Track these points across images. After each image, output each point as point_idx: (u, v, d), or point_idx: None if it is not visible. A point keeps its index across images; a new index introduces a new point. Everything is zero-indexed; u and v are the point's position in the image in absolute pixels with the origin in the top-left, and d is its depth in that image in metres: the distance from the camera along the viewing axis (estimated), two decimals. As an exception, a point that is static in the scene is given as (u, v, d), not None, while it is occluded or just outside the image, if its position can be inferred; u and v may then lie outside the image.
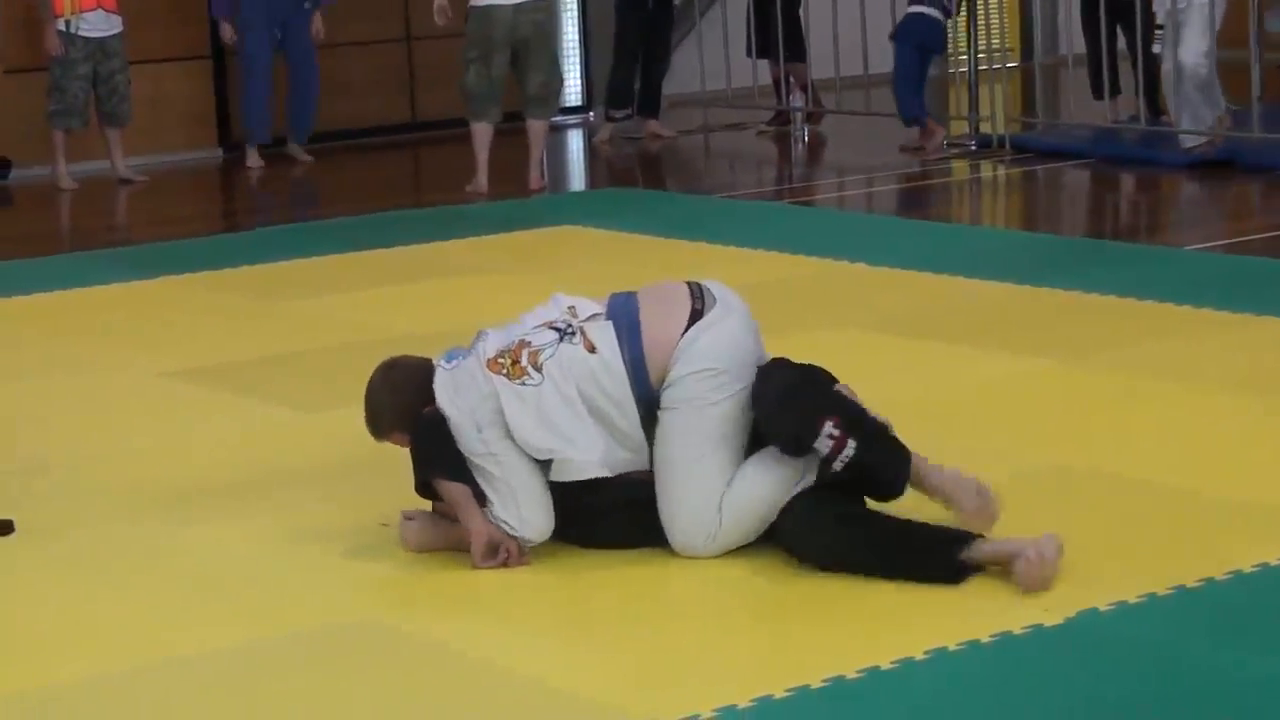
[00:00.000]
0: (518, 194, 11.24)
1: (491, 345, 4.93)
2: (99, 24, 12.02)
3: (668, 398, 4.81)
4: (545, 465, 4.83)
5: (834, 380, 4.92)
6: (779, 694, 4.04)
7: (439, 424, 4.86)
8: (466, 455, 4.85)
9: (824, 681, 4.09)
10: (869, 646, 4.26)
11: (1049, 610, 4.41)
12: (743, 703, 4.01)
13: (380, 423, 5.06)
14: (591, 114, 14.93)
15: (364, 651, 4.42)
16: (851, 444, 4.69)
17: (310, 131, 13.10)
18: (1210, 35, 11.07)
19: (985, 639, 4.28)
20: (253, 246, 9.80)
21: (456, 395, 4.87)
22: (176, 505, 5.50)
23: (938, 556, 4.62)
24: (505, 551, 4.82)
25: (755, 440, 4.84)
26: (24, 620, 4.72)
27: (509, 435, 4.81)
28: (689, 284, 4.96)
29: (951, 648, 4.23)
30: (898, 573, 4.62)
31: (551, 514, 4.83)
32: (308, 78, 12.94)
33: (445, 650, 4.42)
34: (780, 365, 4.89)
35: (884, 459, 4.77)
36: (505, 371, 4.85)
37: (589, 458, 4.80)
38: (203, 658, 4.41)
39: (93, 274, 9.13)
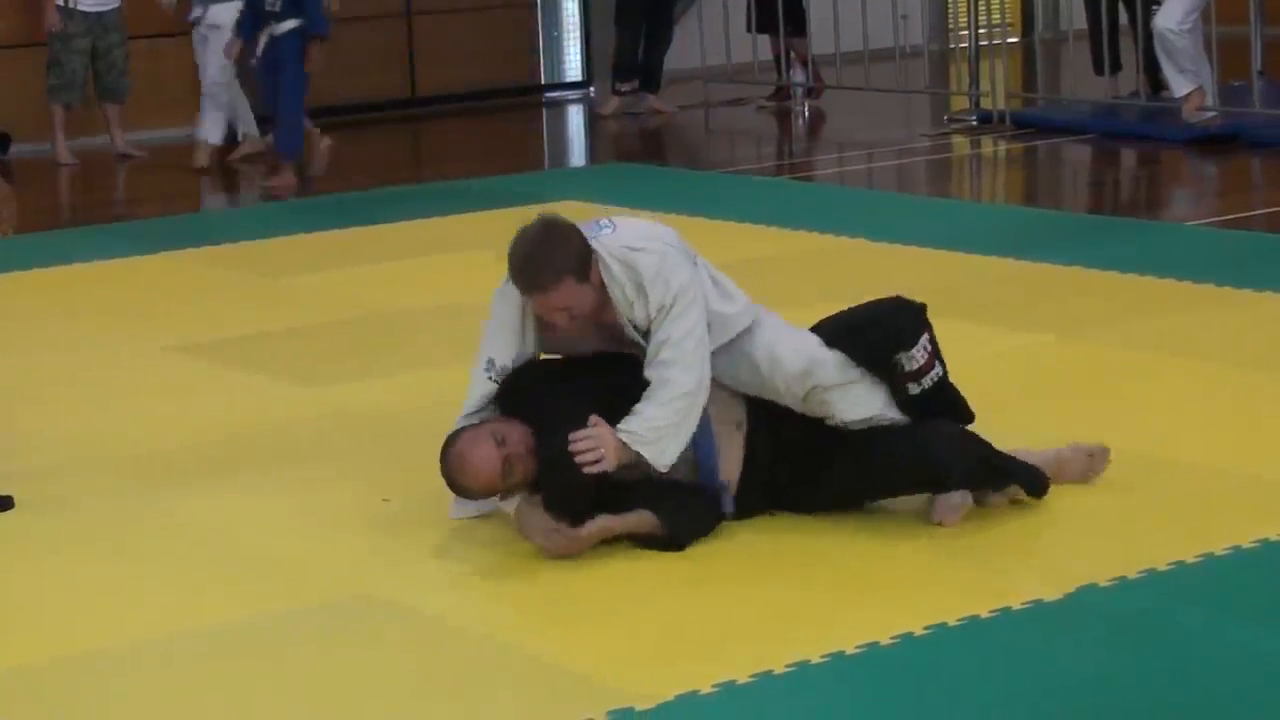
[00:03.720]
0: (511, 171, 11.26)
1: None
2: (97, -1, 11.99)
3: None
4: None
5: None
6: (779, 669, 4.05)
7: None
8: (680, 295, 4.77)
9: (823, 657, 4.09)
10: (869, 622, 4.27)
11: (1048, 585, 4.41)
12: (742, 678, 4.01)
13: (549, 268, 4.74)
14: (592, 89, 14.91)
15: (364, 627, 4.43)
16: (939, 368, 4.92)
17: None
18: (1187, 6, 11.06)
19: (985, 614, 4.28)
20: (252, 222, 9.80)
21: (659, 229, 4.93)
22: (178, 480, 5.50)
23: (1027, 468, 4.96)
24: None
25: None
26: (25, 594, 4.73)
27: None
28: None
29: (951, 623, 4.24)
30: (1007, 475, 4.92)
31: None
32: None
33: (445, 626, 4.42)
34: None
35: (959, 396, 5.02)
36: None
37: None
38: (205, 633, 4.41)
39: (92, 249, 9.12)
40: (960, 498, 4.86)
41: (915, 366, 4.88)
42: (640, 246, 4.81)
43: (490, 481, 4.79)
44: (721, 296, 4.93)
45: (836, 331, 5.00)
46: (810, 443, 4.92)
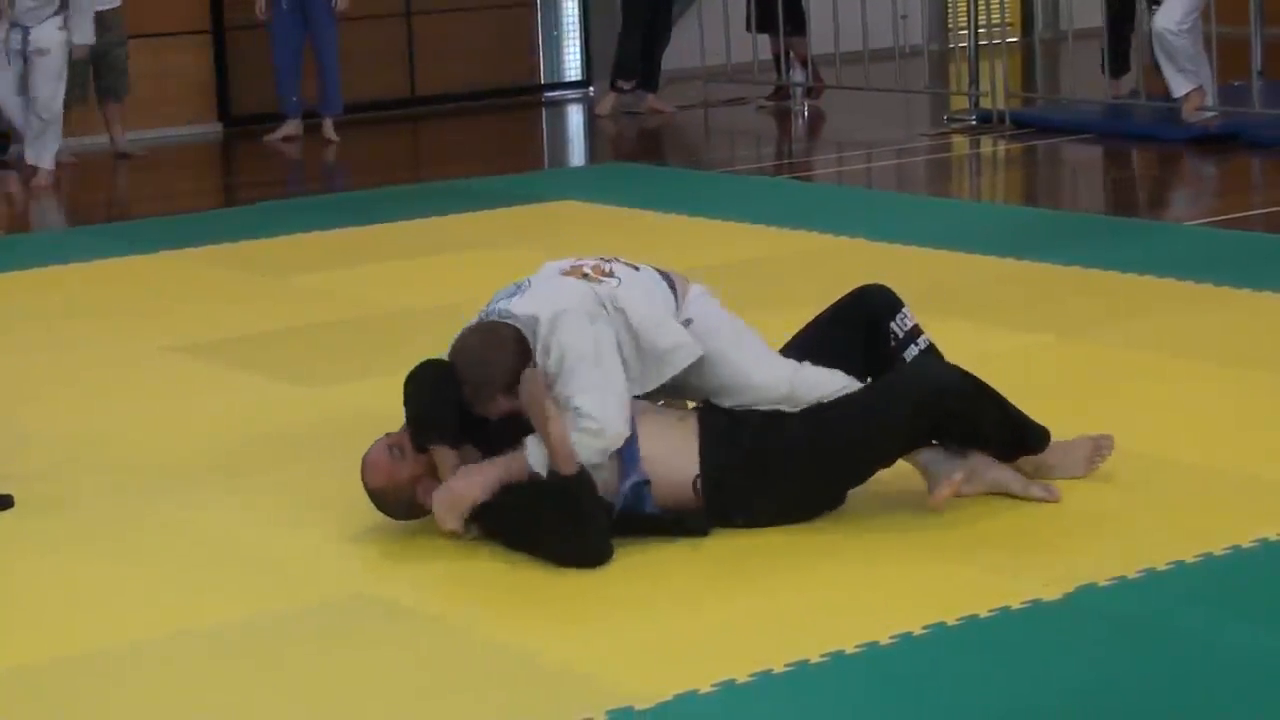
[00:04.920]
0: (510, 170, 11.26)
1: (549, 273, 5.01)
2: (96, -2, 11.95)
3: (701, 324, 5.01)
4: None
5: None
6: (778, 669, 4.05)
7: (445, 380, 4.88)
8: (567, 353, 4.77)
9: (822, 657, 4.09)
10: (868, 622, 4.26)
11: (1048, 585, 4.41)
12: (742, 678, 4.02)
13: (491, 387, 4.86)
14: (592, 88, 14.91)
15: (364, 627, 4.43)
16: (925, 336, 5.09)
17: (336, 105, 12.90)
18: (1186, 6, 11.06)
19: (984, 614, 4.29)
20: (252, 221, 9.79)
21: (558, 295, 4.88)
22: (178, 480, 5.51)
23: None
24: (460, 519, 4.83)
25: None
26: (26, 594, 4.73)
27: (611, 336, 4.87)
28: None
29: (950, 623, 4.24)
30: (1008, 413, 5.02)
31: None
32: (323, 48, 12.81)
33: (443, 626, 4.42)
34: None
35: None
36: (581, 279, 4.97)
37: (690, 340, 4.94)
38: (205, 633, 4.42)
39: (92, 249, 9.12)
40: (960, 471, 4.86)
41: (909, 326, 5.09)
42: (533, 313, 4.83)
43: (387, 470, 4.88)
44: (653, 333, 4.89)
45: (820, 328, 5.13)
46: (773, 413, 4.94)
